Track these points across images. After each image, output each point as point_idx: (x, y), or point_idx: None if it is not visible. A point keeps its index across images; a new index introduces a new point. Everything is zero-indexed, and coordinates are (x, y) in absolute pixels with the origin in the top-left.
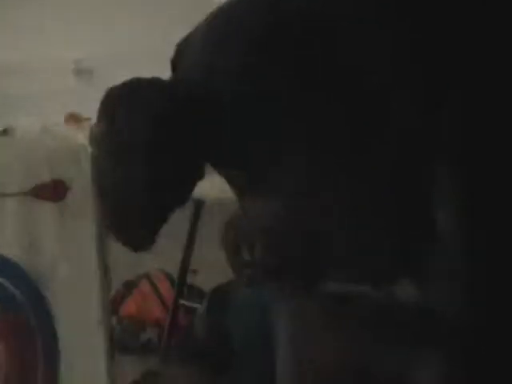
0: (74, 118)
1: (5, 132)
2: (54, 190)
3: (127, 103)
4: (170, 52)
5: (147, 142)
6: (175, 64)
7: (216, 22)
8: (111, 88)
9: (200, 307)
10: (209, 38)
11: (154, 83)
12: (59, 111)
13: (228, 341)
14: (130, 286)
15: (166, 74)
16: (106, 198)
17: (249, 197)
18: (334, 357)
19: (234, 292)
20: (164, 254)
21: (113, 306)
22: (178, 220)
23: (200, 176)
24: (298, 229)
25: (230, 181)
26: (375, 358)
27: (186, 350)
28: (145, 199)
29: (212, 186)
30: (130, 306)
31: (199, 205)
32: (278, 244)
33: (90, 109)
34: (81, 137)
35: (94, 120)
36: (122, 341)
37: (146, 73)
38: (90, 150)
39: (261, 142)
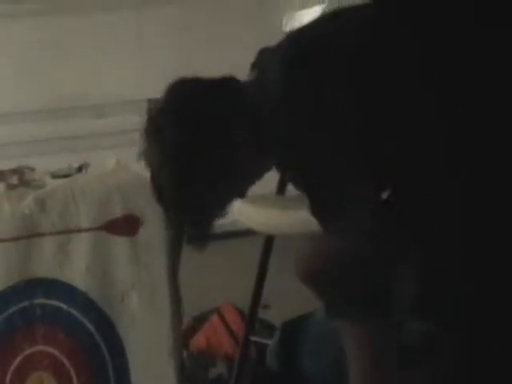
0: None
1: (79, 169)
2: (126, 225)
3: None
4: None
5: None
6: (254, 67)
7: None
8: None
9: (272, 341)
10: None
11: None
12: (132, 146)
13: (301, 372)
14: (200, 320)
15: None
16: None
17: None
18: None
19: (305, 325)
20: (235, 288)
21: (184, 339)
22: (250, 253)
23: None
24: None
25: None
26: None
27: None
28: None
29: (282, 220)
30: (199, 340)
31: (270, 238)
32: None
33: None
34: None
35: None
36: (192, 375)
37: None
38: None
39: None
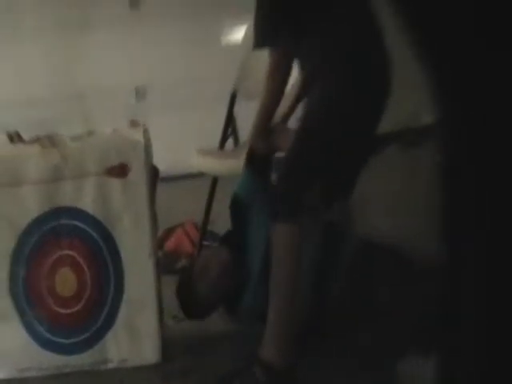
0: (133, 123)
1: (89, 134)
2: (120, 170)
3: None
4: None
5: None
6: None
7: None
8: None
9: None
10: None
11: None
12: (124, 119)
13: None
14: (170, 231)
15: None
16: None
17: None
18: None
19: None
20: (193, 211)
21: (159, 244)
22: (203, 189)
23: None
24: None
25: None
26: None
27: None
28: None
29: (225, 167)
30: (170, 244)
31: (215, 182)
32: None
33: (144, 118)
34: (137, 135)
35: (145, 125)
36: (165, 267)
37: (183, 93)
38: (143, 143)
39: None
